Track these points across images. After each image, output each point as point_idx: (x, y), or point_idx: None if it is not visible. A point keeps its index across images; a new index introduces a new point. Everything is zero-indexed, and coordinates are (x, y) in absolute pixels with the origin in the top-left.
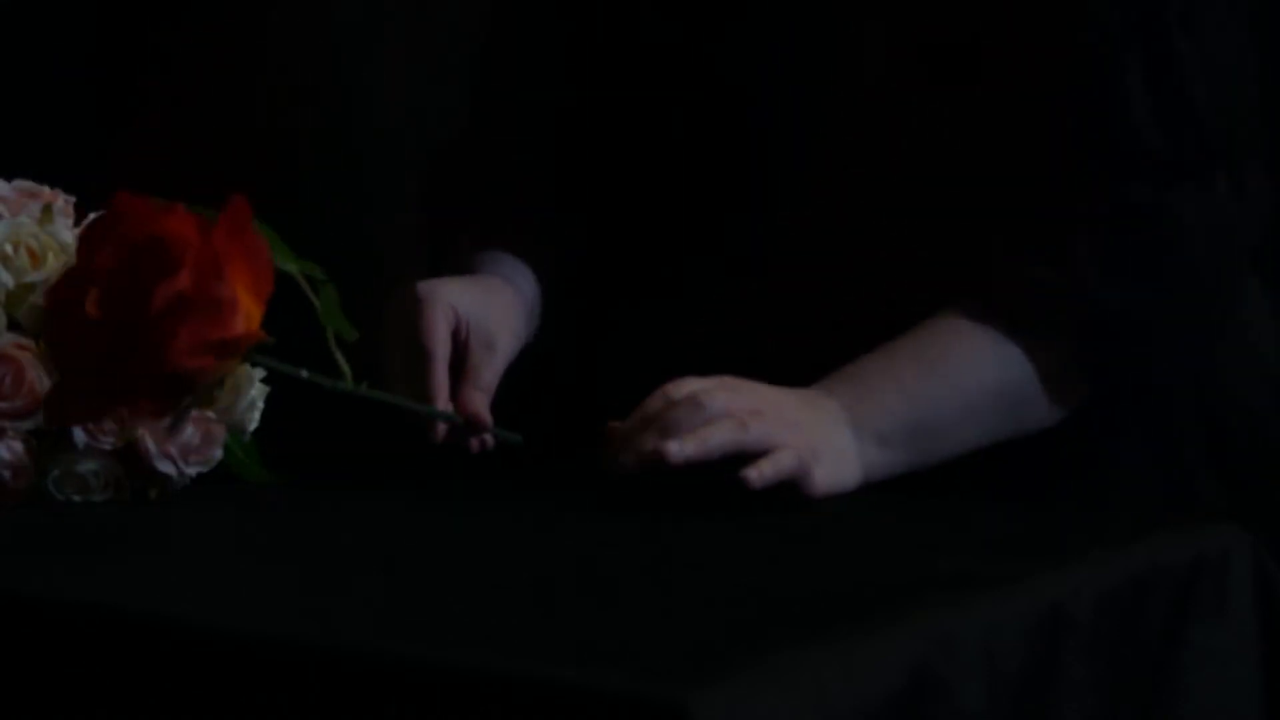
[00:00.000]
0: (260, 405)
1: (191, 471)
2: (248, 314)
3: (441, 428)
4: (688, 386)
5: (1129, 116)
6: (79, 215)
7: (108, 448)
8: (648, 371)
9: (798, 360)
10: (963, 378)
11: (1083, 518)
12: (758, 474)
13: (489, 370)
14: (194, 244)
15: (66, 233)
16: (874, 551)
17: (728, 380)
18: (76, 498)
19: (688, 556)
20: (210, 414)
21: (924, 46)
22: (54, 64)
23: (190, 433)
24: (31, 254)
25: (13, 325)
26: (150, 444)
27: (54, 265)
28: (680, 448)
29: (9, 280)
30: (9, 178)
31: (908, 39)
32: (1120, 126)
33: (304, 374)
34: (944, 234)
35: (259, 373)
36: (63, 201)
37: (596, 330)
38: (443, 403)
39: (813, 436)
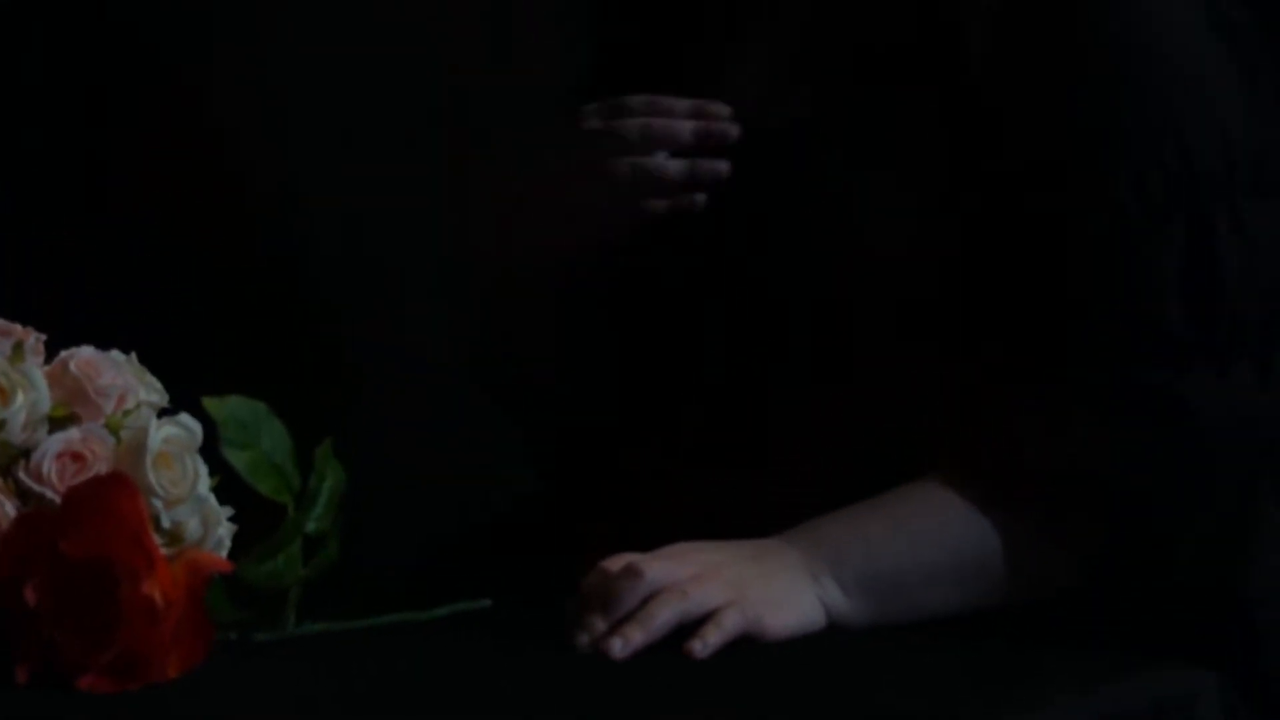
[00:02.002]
0: (228, 544)
1: None
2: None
3: None
4: (623, 559)
5: (1157, 295)
6: (49, 353)
7: None
8: (633, 525)
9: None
10: (927, 541)
11: (1046, 658)
12: (701, 644)
13: None
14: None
15: (37, 371)
16: (827, 688)
17: (666, 549)
18: None
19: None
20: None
21: (947, 220)
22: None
23: None
24: (1, 391)
25: None
26: None
27: (22, 402)
28: (624, 644)
29: None
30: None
31: (928, 217)
32: (1146, 304)
33: None
34: (938, 396)
35: (227, 510)
36: (34, 340)
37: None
38: None
39: (764, 588)
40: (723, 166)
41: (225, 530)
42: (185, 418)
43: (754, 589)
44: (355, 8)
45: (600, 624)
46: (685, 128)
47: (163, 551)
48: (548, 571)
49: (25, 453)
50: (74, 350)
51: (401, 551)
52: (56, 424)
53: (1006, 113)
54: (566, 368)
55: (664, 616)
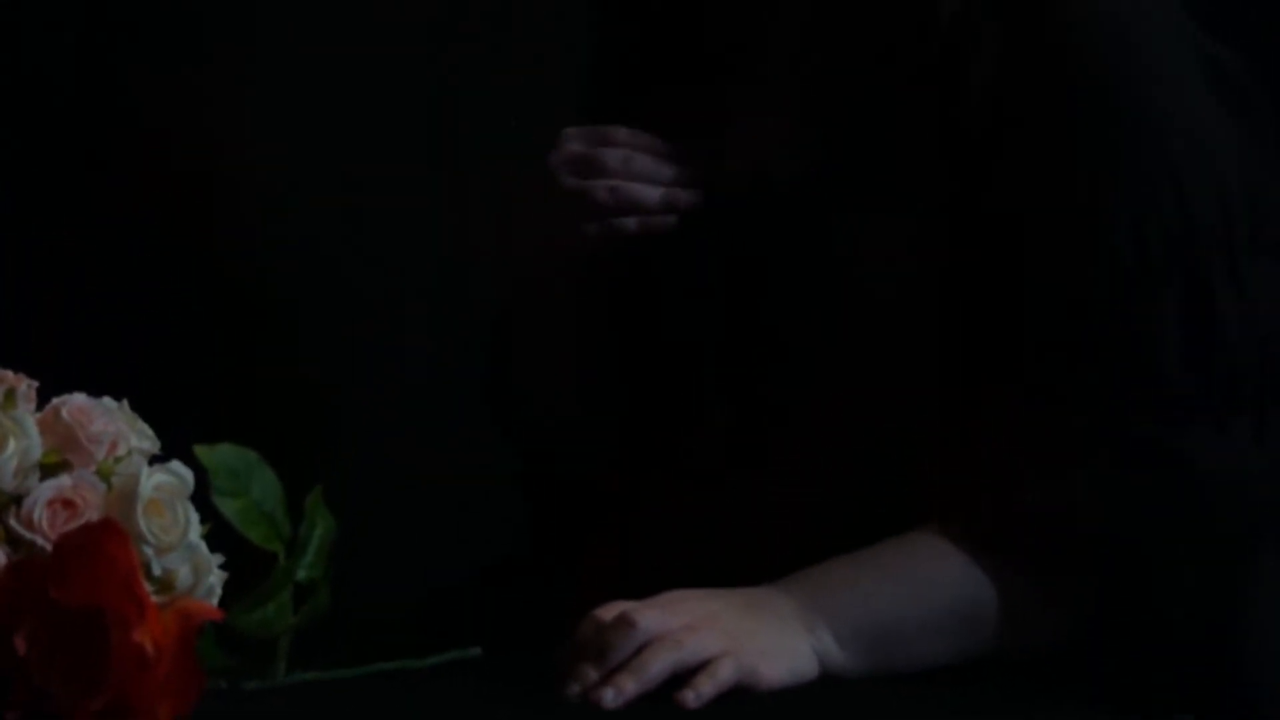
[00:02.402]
0: (219, 591)
1: None
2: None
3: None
4: (616, 608)
5: (1154, 349)
6: (41, 399)
7: None
8: (629, 566)
9: (779, 569)
10: (923, 593)
11: (1040, 713)
12: (694, 695)
13: None
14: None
15: (29, 418)
16: None
17: (660, 597)
18: None
19: None
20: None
21: (948, 266)
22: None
23: None
24: None
25: None
26: None
27: (14, 449)
28: (617, 694)
29: None
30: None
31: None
32: (1143, 358)
33: None
34: (937, 443)
35: (217, 558)
36: (26, 386)
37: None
38: None
39: (758, 638)
40: (693, 199)
41: (216, 578)
42: (176, 465)
43: (749, 639)
44: (335, 53)
45: (592, 673)
46: (653, 195)
47: (154, 599)
48: (539, 619)
49: (16, 500)
50: (66, 397)
51: (392, 599)
52: (48, 471)
53: (1007, 162)
54: (571, 398)
55: (658, 666)
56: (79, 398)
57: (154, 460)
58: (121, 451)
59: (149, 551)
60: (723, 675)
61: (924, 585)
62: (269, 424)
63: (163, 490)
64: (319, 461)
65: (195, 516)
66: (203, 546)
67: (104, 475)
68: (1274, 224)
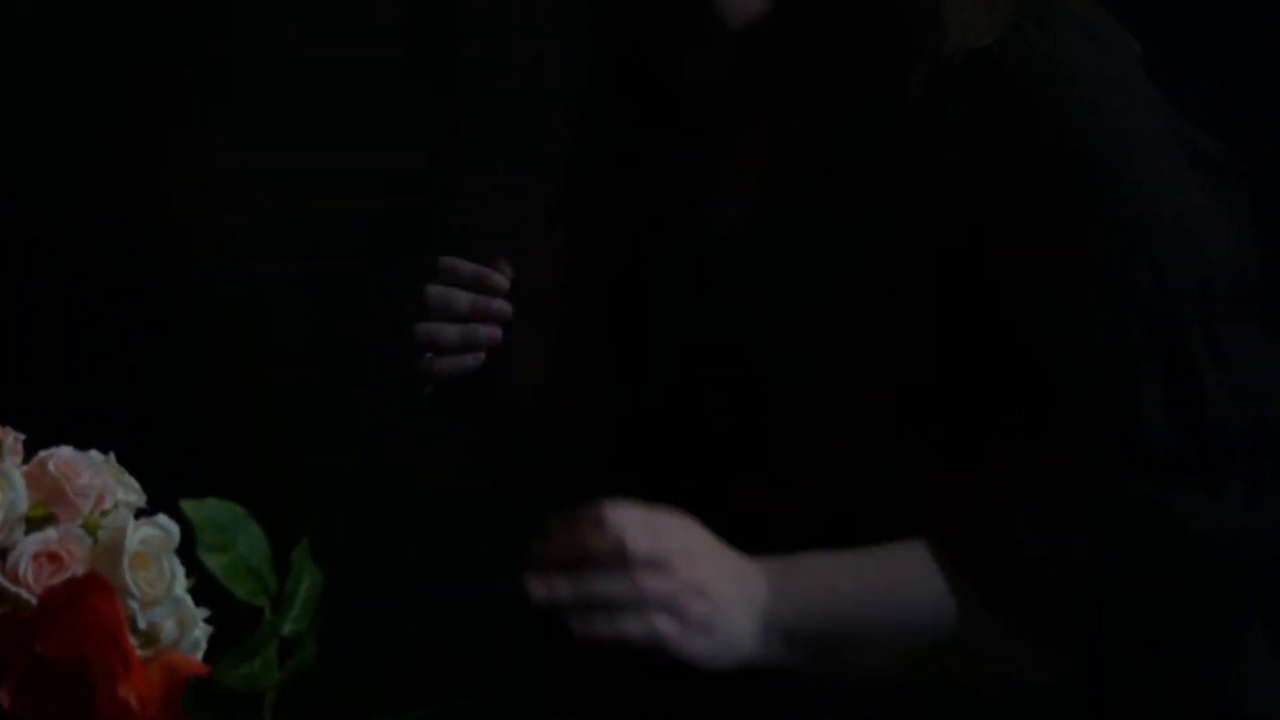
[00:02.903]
0: (204, 646)
1: None
2: None
3: None
4: (614, 529)
5: (1139, 424)
6: (27, 452)
7: None
8: None
9: None
10: (900, 609)
11: None
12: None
13: None
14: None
15: (15, 471)
16: None
17: (661, 525)
18: None
19: None
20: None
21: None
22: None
23: None
24: None
25: None
26: None
27: (0, 503)
28: (585, 630)
29: None
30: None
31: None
32: (1129, 432)
33: None
34: (934, 483)
35: (203, 611)
36: (12, 439)
37: None
38: None
39: (716, 612)
40: (496, 334)
41: (201, 632)
42: (162, 518)
43: (710, 609)
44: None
45: (564, 590)
46: (463, 299)
47: (139, 653)
48: (527, 673)
49: (2, 553)
50: (52, 450)
51: (379, 653)
52: (34, 524)
53: (985, 237)
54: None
55: (634, 634)
56: (65, 451)
57: (140, 513)
58: (108, 505)
59: (134, 605)
60: (637, 629)
61: (901, 602)
62: (255, 477)
63: (149, 544)
64: (305, 514)
65: (181, 570)
66: (188, 600)
67: (90, 529)
68: (1254, 291)
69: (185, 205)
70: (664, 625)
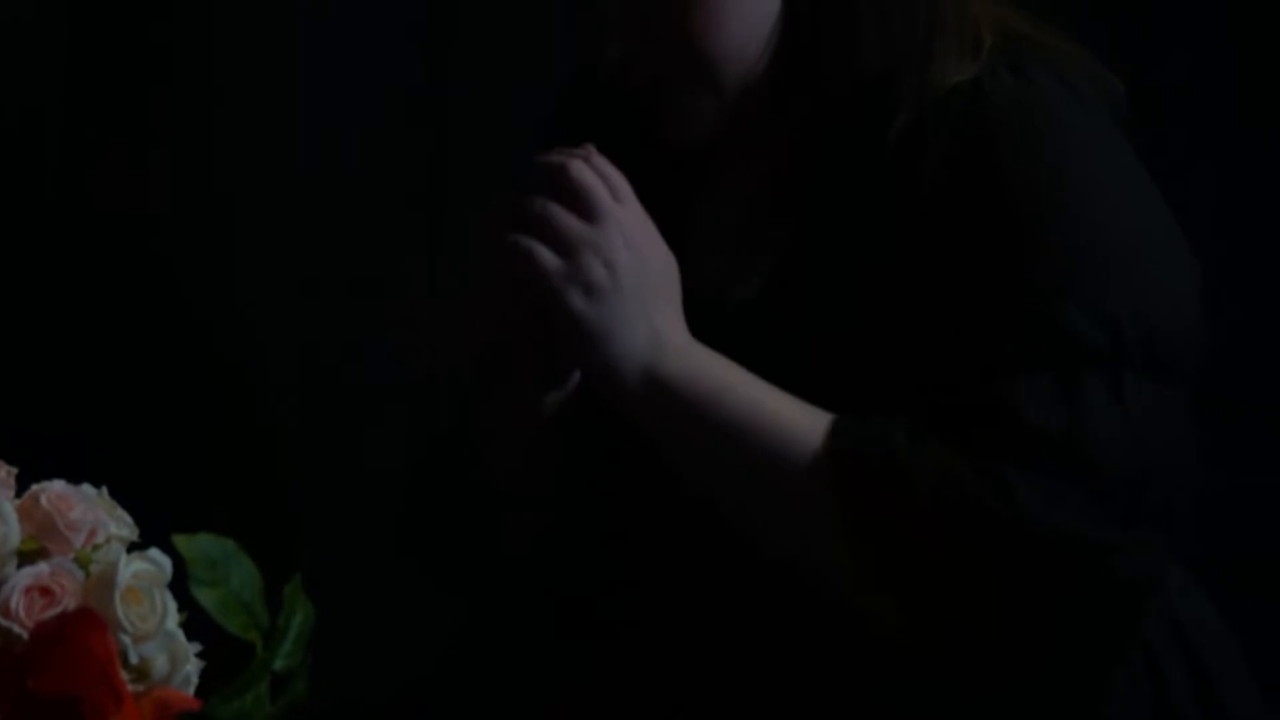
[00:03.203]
0: (195, 681)
1: None
2: None
3: None
4: (601, 170)
5: (1017, 438)
6: (20, 486)
7: None
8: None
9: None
10: (768, 446)
11: None
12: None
13: None
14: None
15: (7, 505)
16: None
17: (638, 213)
18: None
19: None
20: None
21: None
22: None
23: None
24: None
25: None
26: None
27: None
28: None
29: None
30: None
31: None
32: (1010, 445)
33: None
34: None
35: (195, 646)
36: (4, 472)
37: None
38: None
39: (611, 290)
40: None
41: (193, 667)
42: (155, 553)
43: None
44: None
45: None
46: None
47: (130, 688)
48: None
49: None
50: (45, 484)
51: (369, 690)
52: (26, 558)
53: (935, 250)
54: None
55: (516, 250)
56: (58, 485)
57: (132, 548)
58: (100, 539)
59: (126, 639)
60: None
61: (774, 441)
62: (248, 512)
63: (141, 578)
64: (298, 550)
65: (173, 604)
66: (180, 635)
67: (82, 563)
68: (1181, 358)
69: (180, 241)
70: (547, 258)
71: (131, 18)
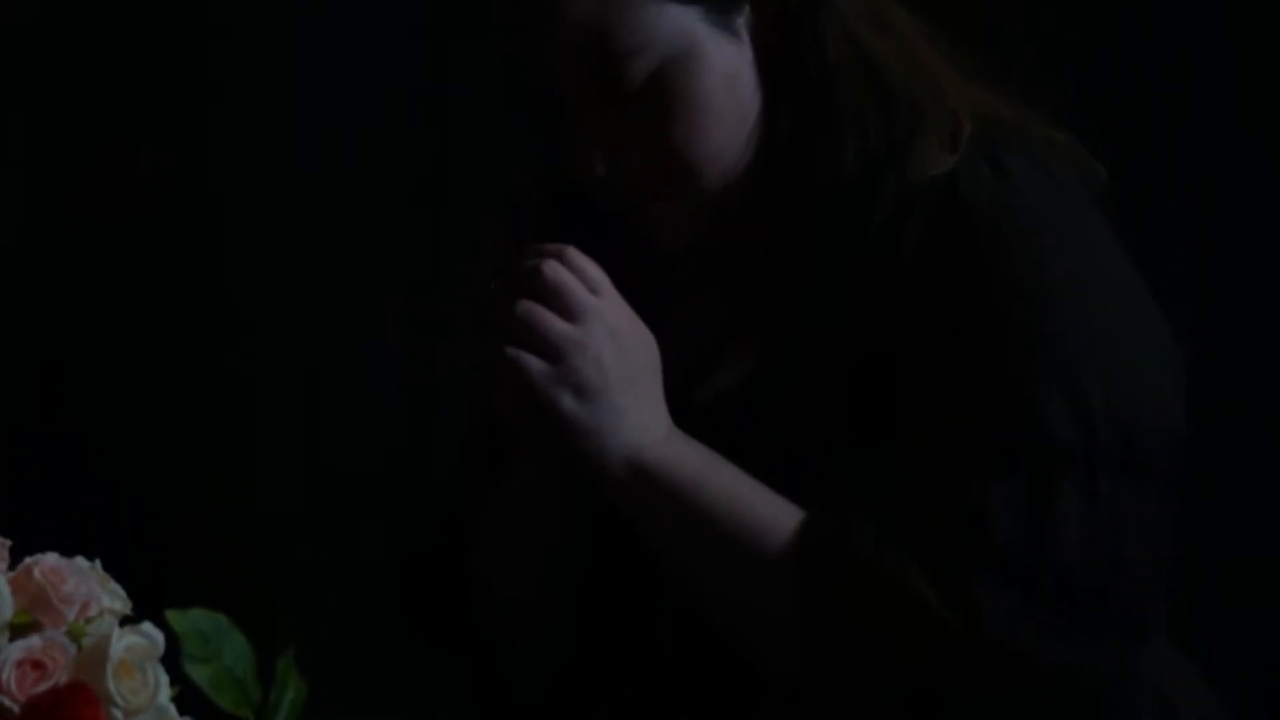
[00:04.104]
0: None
1: None
2: None
3: None
4: (577, 268)
5: (983, 527)
6: (12, 558)
7: None
8: None
9: None
10: (745, 538)
11: None
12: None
13: None
14: None
15: (0, 577)
16: None
17: (619, 305)
18: None
19: None
20: None
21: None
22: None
23: None
24: None
25: None
26: None
27: None
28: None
29: None
30: None
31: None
32: (973, 531)
33: None
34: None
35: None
36: None
37: None
38: None
39: (600, 390)
40: None
41: None
42: (147, 626)
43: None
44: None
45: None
46: None
47: None
48: None
49: None
50: (38, 556)
51: None
52: (18, 631)
53: (906, 344)
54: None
55: (505, 357)
56: (51, 557)
57: (125, 621)
58: (93, 612)
59: (118, 714)
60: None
61: (749, 535)
62: (241, 587)
63: (133, 652)
64: (290, 625)
65: (165, 678)
66: (172, 709)
67: (75, 636)
68: (1157, 458)
69: (173, 319)
70: (534, 365)
71: (134, 19)
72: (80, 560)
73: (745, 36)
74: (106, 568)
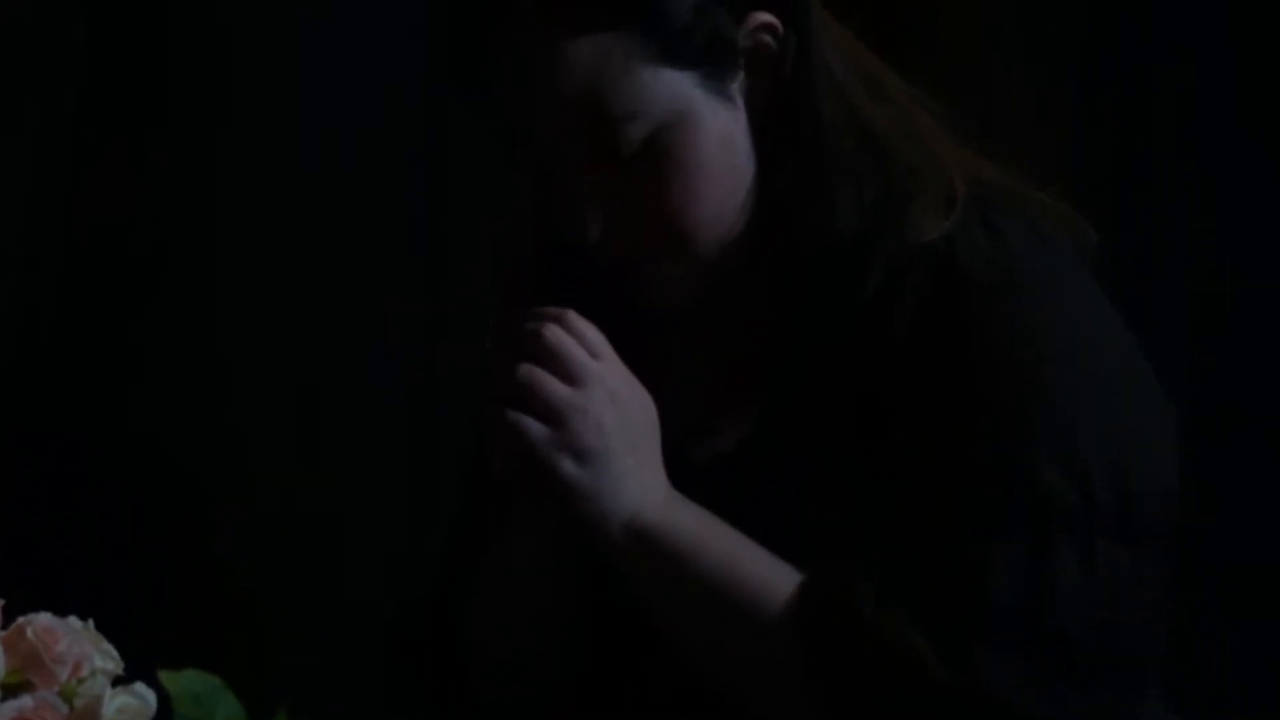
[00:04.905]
0: None
1: None
2: None
3: None
4: (577, 333)
5: (979, 589)
6: (5, 617)
7: None
8: None
9: None
10: (743, 601)
11: None
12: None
13: None
14: None
15: None
16: None
17: (618, 368)
18: None
19: None
20: None
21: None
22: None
23: None
24: None
25: None
26: None
27: None
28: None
29: None
30: None
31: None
32: (970, 599)
33: None
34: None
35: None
36: None
37: None
38: None
39: (601, 454)
40: None
41: None
42: (140, 687)
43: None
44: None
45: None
46: None
47: None
48: None
49: None
50: (31, 616)
51: None
52: (10, 691)
53: (904, 407)
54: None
55: (505, 422)
56: (44, 617)
57: (117, 681)
58: (85, 673)
59: None
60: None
61: (747, 598)
62: (234, 647)
63: (125, 713)
64: (283, 685)
65: None
66: None
67: (67, 696)
68: (1152, 521)
69: (165, 381)
70: (535, 429)
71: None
72: (73, 620)
73: (740, 101)
74: (99, 626)
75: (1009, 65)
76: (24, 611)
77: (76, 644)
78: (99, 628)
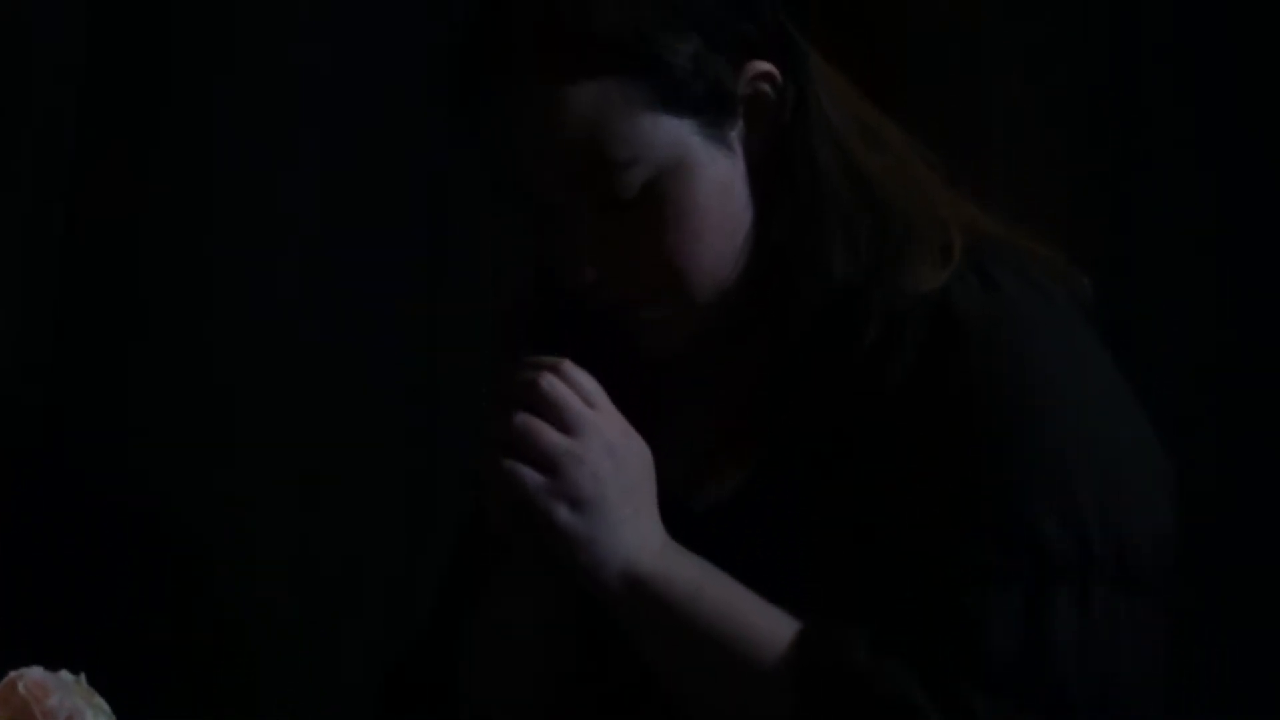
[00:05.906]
0: None
1: None
2: None
3: None
4: (572, 381)
5: (976, 639)
6: None
7: None
8: None
9: None
10: (739, 648)
11: None
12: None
13: None
14: None
15: None
16: None
17: (614, 416)
18: None
19: None
20: None
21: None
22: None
23: None
24: None
25: None
26: None
27: None
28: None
29: None
30: None
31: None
32: (965, 643)
33: None
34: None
35: None
36: None
37: None
38: None
39: (597, 502)
40: None
41: None
42: None
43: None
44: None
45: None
46: None
47: None
48: None
49: None
50: (23, 670)
51: None
52: None
53: (902, 455)
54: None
55: (500, 470)
56: (36, 671)
57: None
58: None
59: None
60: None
61: (743, 646)
62: (226, 702)
63: None
64: None
65: None
66: None
67: None
68: (1150, 568)
69: (165, 427)
70: (531, 477)
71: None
72: (65, 674)
73: (738, 149)
74: (91, 679)
75: (1008, 65)
76: (16, 664)
77: (68, 698)
78: (91, 681)
